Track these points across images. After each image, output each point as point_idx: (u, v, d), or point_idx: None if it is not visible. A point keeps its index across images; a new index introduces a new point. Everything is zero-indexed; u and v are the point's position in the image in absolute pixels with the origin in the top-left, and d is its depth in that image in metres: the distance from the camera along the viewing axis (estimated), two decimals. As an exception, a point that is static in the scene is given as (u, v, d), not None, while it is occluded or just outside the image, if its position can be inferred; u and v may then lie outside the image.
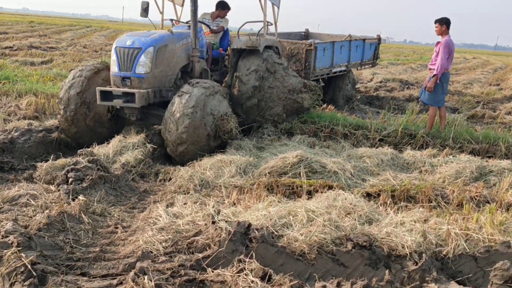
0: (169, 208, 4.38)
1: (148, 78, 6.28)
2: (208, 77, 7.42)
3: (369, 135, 7.54)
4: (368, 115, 9.78)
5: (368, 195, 4.85)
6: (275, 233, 3.70)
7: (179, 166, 5.78)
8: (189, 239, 3.71)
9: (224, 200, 4.71)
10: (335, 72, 10.86)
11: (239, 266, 3.26)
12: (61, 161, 5.25)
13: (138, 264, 3.27)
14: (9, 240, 3.38)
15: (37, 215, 3.97)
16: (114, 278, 3.26)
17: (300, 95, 7.84)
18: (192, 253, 3.57)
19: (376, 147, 6.83)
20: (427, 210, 4.39)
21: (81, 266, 3.45)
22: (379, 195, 4.87)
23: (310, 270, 3.44)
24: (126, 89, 6.22)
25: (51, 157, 5.60)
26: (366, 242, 3.50)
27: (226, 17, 8.76)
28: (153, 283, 2.96)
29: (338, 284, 3.08)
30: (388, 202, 4.68)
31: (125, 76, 6.30)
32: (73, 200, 4.44)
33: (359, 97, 12.95)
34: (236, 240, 3.55)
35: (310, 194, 4.85)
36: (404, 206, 4.63)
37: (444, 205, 4.66)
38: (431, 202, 4.76)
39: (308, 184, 4.98)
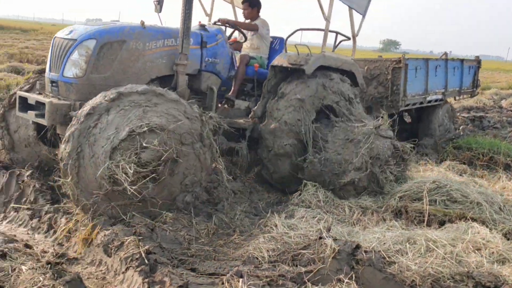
0: (287, 219, 4.39)
1: (78, 86, 4.41)
2: (212, 102, 5.30)
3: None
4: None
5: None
6: (386, 258, 3.43)
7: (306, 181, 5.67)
8: (295, 251, 3.66)
9: (344, 218, 4.54)
10: (429, 101, 8.18)
11: (337, 286, 3.10)
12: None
13: (240, 268, 3.34)
14: (134, 230, 3.76)
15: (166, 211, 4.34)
16: (218, 277, 3.39)
17: (388, 167, 5.24)
18: (296, 266, 3.51)
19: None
20: None
21: (193, 262, 3.66)
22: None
23: (420, 304, 3.10)
24: (39, 97, 4.48)
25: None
26: (491, 283, 3.03)
27: (259, 18, 6.51)
28: (245, 287, 2.99)
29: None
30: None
31: (52, 80, 4.59)
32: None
33: (461, 133, 9.36)
34: (341, 260, 3.38)
35: (442, 224, 4.38)
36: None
37: None
38: None
39: (443, 213, 4.50)
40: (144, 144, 3.84)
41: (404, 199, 4.98)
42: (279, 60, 5.62)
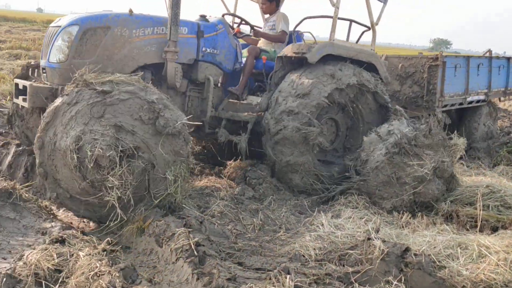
0: (333, 219, 4.38)
1: (61, 70, 4.53)
2: (208, 93, 5.29)
3: None
4: None
5: None
6: (437, 262, 3.36)
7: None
8: (342, 251, 3.65)
9: (393, 221, 4.48)
10: (470, 102, 7.69)
11: (385, 287, 3.08)
12: (245, 162, 5.68)
13: (287, 264, 3.38)
14: (184, 222, 3.87)
15: (213, 203, 4.44)
16: (264, 273, 3.43)
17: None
18: (343, 266, 3.51)
19: None
20: None
21: (240, 256, 3.73)
22: None
23: (471, 311, 3.02)
24: (25, 82, 4.66)
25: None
26: (548, 293, 2.91)
27: (278, 12, 6.22)
28: (293, 284, 3.02)
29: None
30: None
31: (42, 66, 4.79)
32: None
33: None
34: (389, 261, 3.35)
35: (495, 230, 4.24)
36: None
37: None
38: None
39: (496, 219, 4.36)
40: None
41: (455, 203, 4.86)
42: (285, 51, 5.51)
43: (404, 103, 6.79)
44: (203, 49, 5.27)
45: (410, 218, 4.47)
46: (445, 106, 6.95)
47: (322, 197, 5.16)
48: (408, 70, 6.94)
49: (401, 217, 4.48)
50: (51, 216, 4.10)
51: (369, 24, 5.90)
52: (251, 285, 3.07)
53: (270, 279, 3.17)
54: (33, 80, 4.94)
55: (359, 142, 5.42)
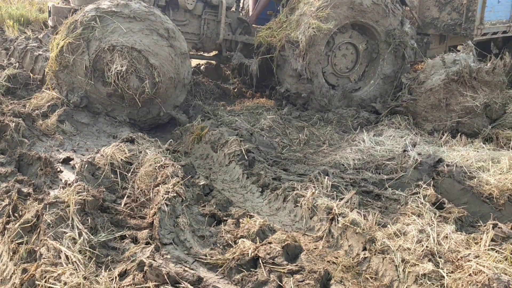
0: (375, 137, 4.66)
1: None
2: (221, 15, 5.51)
3: None
4: None
5: None
6: (468, 173, 3.62)
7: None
8: (379, 162, 3.97)
9: (433, 140, 4.70)
10: None
11: (415, 189, 3.40)
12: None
13: (326, 168, 3.75)
14: (236, 132, 4.30)
15: (262, 120, 4.83)
16: (306, 177, 3.83)
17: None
18: (379, 174, 3.84)
19: None
20: None
21: (285, 163, 4.13)
22: None
23: (495, 215, 3.30)
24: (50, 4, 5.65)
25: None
26: None
27: None
28: (330, 183, 3.40)
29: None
30: None
31: None
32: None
33: None
34: (422, 170, 3.65)
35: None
36: None
37: None
38: None
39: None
40: None
41: (496, 128, 4.98)
42: None
43: (442, 30, 6.61)
44: None
45: (449, 138, 4.67)
46: (485, 34, 6.55)
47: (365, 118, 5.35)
48: None
49: (440, 137, 4.68)
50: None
51: None
52: (293, 182, 3.48)
53: (310, 180, 3.57)
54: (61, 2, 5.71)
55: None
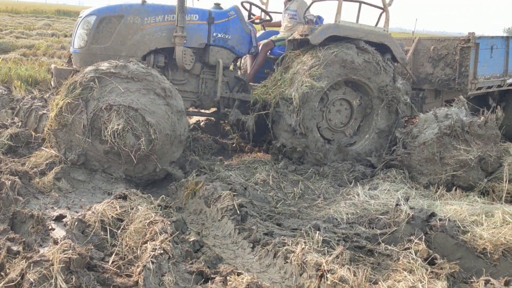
0: (370, 190, 4.66)
1: (81, 55, 5.31)
2: (218, 75, 5.67)
3: None
4: None
5: None
6: (461, 228, 3.58)
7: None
8: (373, 216, 3.95)
9: (428, 194, 4.68)
10: (510, 85, 7.22)
11: (407, 244, 3.36)
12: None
13: (318, 223, 3.73)
14: (230, 186, 4.32)
15: (258, 174, 4.86)
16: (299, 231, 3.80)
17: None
18: (372, 228, 3.81)
19: None
20: None
21: (278, 218, 4.13)
22: None
23: (490, 270, 3.24)
24: (53, 65, 5.63)
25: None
26: None
27: None
28: (321, 238, 3.37)
29: (507, 283, 2.85)
30: None
31: (71, 52, 5.65)
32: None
33: None
34: (415, 225, 3.62)
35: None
36: None
37: None
38: None
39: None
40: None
41: (493, 181, 4.97)
42: (294, 34, 5.70)
43: (437, 85, 6.77)
44: (214, 34, 5.72)
45: (444, 191, 4.65)
46: (479, 89, 6.71)
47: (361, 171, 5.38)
48: (440, 52, 6.79)
49: (436, 191, 4.67)
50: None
51: (380, 5, 5.89)
52: (284, 237, 3.46)
53: (301, 234, 3.55)
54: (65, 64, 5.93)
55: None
